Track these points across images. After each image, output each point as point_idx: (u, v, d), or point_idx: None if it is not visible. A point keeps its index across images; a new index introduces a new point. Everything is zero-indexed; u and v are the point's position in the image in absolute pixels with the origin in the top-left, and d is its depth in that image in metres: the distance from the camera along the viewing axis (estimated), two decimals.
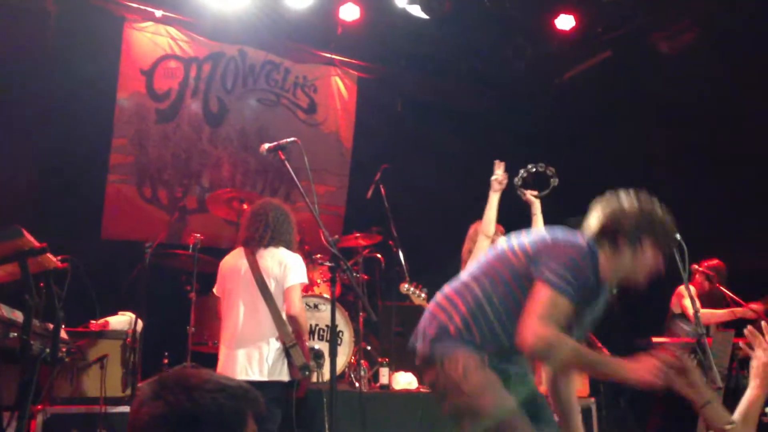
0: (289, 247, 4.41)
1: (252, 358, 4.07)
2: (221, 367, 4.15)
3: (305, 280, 4.35)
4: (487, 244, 4.45)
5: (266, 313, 4.17)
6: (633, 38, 8.00)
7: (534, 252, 2.71)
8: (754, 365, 2.26)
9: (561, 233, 2.82)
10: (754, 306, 5.22)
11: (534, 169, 4.65)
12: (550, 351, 2.58)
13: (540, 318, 2.53)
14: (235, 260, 4.38)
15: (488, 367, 2.69)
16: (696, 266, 5.62)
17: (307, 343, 4.31)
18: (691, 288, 5.41)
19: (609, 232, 2.78)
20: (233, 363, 4.08)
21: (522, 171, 4.60)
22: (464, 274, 2.91)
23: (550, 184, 4.71)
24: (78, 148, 6.55)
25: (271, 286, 4.21)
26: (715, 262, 6.01)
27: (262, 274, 4.20)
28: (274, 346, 4.14)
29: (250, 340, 4.14)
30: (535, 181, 4.73)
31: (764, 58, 6.64)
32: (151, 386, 1.36)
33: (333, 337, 3.19)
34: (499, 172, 4.61)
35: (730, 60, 7.00)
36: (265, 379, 4.04)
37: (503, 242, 2.88)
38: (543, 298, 2.57)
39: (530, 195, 4.67)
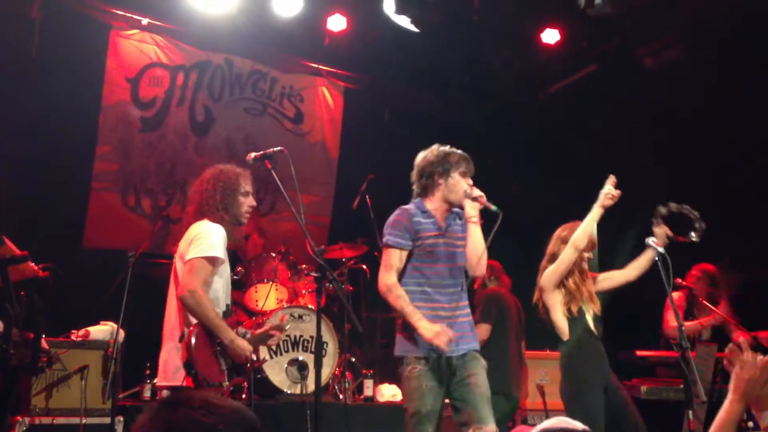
0: (219, 219, 3.52)
1: (161, 359, 3.55)
2: None
3: (210, 254, 3.38)
4: (573, 257, 4.12)
5: (172, 304, 3.54)
6: (618, 53, 8.08)
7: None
8: (733, 379, 2.29)
9: None
10: (720, 312, 5.28)
11: (680, 211, 4.31)
12: (387, 294, 3.64)
13: (382, 270, 3.72)
14: None
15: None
16: (680, 280, 5.62)
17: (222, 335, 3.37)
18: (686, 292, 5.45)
19: (421, 179, 3.94)
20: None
21: (671, 206, 4.32)
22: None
23: (692, 233, 4.32)
24: (61, 155, 6.49)
25: (179, 269, 3.50)
26: (705, 267, 5.91)
27: (175, 258, 3.59)
28: (171, 344, 3.46)
29: (163, 338, 3.59)
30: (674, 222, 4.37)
31: (750, 71, 6.72)
32: (152, 408, 1.34)
33: (319, 348, 3.14)
34: (611, 187, 4.20)
35: (716, 74, 7.08)
36: (162, 383, 3.51)
37: None
38: (383, 255, 3.77)
39: (665, 231, 4.26)
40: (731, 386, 2.36)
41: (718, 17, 6.93)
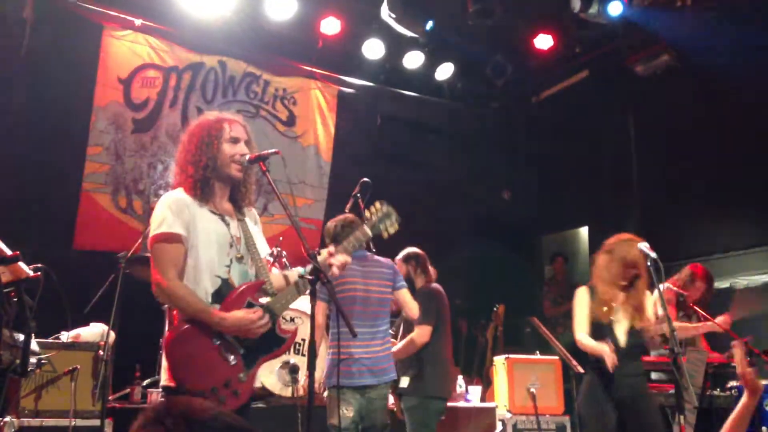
0: (191, 182, 2.97)
1: None
2: None
3: (157, 231, 2.88)
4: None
5: None
6: (610, 59, 8.13)
7: None
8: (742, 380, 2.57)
9: None
10: (721, 320, 5.26)
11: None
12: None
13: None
14: None
15: None
16: (672, 284, 5.61)
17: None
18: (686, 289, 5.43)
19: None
20: None
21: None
22: None
23: None
24: (52, 156, 6.45)
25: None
26: (701, 271, 5.85)
27: None
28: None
29: None
30: None
31: (739, 80, 6.78)
32: (156, 409, 1.33)
33: (311, 351, 3.07)
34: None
35: (705, 80, 7.15)
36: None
37: None
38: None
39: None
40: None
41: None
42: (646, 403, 4.17)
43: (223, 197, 3.03)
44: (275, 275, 3.10)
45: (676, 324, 4.64)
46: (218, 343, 2.81)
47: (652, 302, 4.31)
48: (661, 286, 3.94)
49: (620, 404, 4.09)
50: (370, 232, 3.20)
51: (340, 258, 3.06)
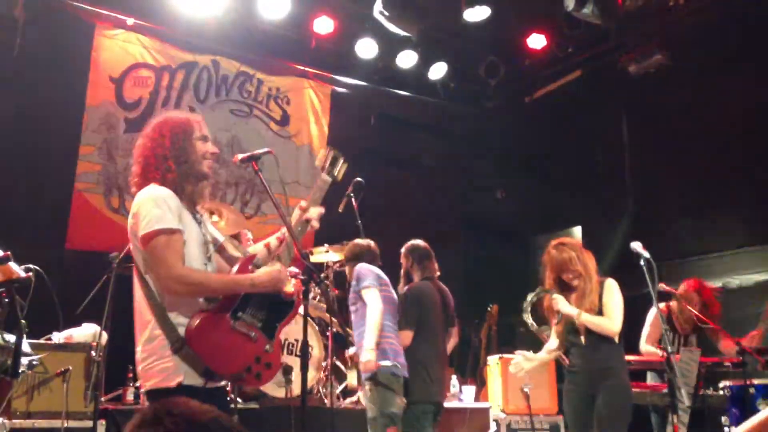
0: (170, 178, 2.87)
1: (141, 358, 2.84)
2: None
3: (158, 226, 2.73)
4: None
5: (139, 295, 2.86)
6: (603, 59, 8.14)
7: None
8: None
9: None
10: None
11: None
12: None
13: None
14: None
15: None
16: (665, 286, 5.58)
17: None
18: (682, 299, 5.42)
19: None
20: None
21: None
22: None
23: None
24: (44, 156, 6.43)
25: (133, 250, 2.89)
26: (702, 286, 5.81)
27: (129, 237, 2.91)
28: (151, 341, 2.77)
29: (138, 335, 2.89)
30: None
31: (732, 80, 6.81)
32: (155, 409, 1.32)
33: (304, 351, 3.07)
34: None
35: (698, 80, 7.17)
36: (145, 387, 2.82)
37: None
38: None
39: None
40: None
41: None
42: (608, 396, 4.08)
43: (191, 194, 2.96)
44: (256, 248, 3.13)
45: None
46: (236, 324, 2.81)
47: (612, 290, 4.24)
48: (652, 286, 3.93)
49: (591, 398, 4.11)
50: (328, 178, 3.25)
51: (315, 210, 3.12)
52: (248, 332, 2.82)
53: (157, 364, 2.72)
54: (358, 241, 5.25)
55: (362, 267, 4.79)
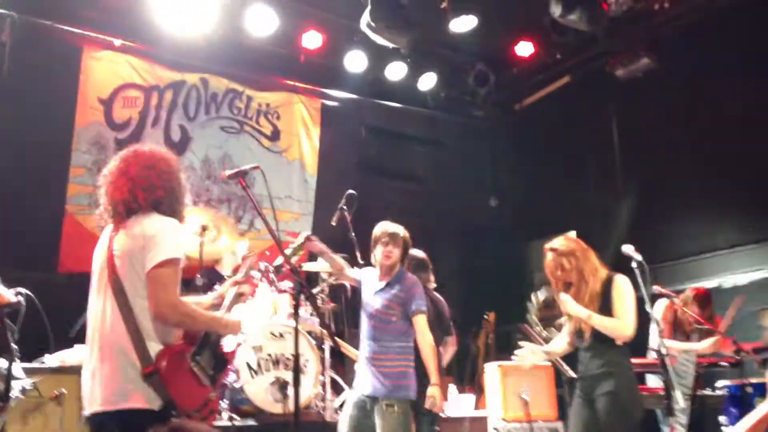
0: (170, 213, 3.02)
1: (94, 379, 2.86)
2: None
3: (176, 255, 2.85)
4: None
5: (110, 311, 2.88)
6: (591, 64, 8.18)
7: None
8: None
9: None
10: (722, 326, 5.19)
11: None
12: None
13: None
14: (98, 246, 3.21)
15: None
16: (659, 287, 5.56)
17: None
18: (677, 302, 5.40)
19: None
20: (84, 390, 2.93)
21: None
22: None
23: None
24: (35, 178, 6.41)
25: (123, 272, 2.89)
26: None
27: (114, 257, 2.95)
28: (120, 363, 2.78)
29: (94, 357, 2.92)
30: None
31: (720, 82, 6.84)
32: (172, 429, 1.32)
33: (296, 365, 3.07)
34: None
35: (686, 82, 7.21)
36: (99, 409, 2.78)
37: None
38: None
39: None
40: None
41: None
42: (604, 402, 3.88)
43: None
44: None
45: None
46: (194, 366, 2.92)
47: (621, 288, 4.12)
48: (645, 289, 3.92)
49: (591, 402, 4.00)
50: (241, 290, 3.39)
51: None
52: (202, 376, 2.95)
53: (126, 387, 2.73)
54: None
55: (420, 285, 4.52)
